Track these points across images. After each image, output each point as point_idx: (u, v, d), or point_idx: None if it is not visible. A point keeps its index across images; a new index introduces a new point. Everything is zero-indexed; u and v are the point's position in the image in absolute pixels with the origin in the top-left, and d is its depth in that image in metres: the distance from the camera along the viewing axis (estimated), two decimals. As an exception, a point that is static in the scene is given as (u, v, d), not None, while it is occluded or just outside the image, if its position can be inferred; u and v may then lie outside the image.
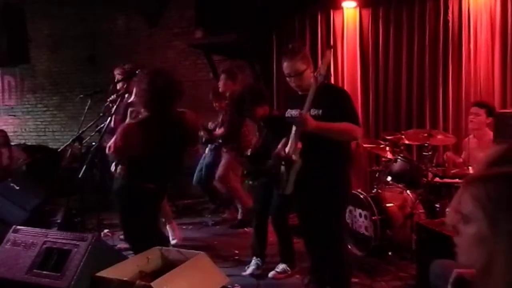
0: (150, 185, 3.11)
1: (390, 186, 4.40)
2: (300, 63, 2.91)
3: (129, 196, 3.13)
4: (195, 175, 5.55)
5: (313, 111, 2.83)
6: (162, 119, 3.09)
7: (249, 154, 3.87)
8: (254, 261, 3.79)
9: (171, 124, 3.13)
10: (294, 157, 2.79)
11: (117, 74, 4.53)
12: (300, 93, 2.97)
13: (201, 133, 5.26)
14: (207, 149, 5.50)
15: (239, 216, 5.31)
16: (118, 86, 4.47)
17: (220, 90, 5.15)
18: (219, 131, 5.14)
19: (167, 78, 3.16)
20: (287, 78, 2.99)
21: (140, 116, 3.19)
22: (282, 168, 2.86)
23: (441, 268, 2.19)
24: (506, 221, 0.98)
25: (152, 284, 2.25)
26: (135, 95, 3.31)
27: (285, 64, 2.95)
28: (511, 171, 1.05)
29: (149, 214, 3.25)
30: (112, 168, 4.31)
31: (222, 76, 5.14)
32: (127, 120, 3.28)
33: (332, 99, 2.86)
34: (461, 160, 4.33)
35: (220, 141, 5.20)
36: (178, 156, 3.31)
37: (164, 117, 3.10)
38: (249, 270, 3.73)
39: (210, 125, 5.33)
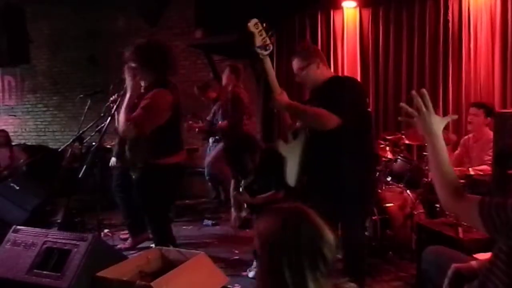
0: (174, 158, 3.06)
1: (390, 186, 4.39)
2: (297, 60, 2.91)
3: (155, 177, 3.05)
4: (205, 169, 5.68)
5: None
6: (165, 86, 3.04)
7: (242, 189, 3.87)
8: (256, 263, 3.77)
9: (173, 89, 3.08)
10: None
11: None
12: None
13: (200, 129, 5.39)
14: (210, 142, 5.55)
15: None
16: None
17: (223, 83, 5.20)
18: (222, 123, 5.18)
19: (154, 47, 3.12)
20: None
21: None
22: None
23: (433, 254, 2.20)
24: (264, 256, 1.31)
25: (152, 284, 2.25)
26: (128, 78, 3.05)
27: None
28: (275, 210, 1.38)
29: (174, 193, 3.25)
30: (112, 162, 4.35)
31: (227, 69, 5.19)
32: (124, 112, 2.98)
33: (333, 93, 2.75)
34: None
35: (219, 135, 5.28)
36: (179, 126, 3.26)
37: (165, 83, 3.06)
38: (252, 274, 3.71)
39: (209, 118, 5.49)
